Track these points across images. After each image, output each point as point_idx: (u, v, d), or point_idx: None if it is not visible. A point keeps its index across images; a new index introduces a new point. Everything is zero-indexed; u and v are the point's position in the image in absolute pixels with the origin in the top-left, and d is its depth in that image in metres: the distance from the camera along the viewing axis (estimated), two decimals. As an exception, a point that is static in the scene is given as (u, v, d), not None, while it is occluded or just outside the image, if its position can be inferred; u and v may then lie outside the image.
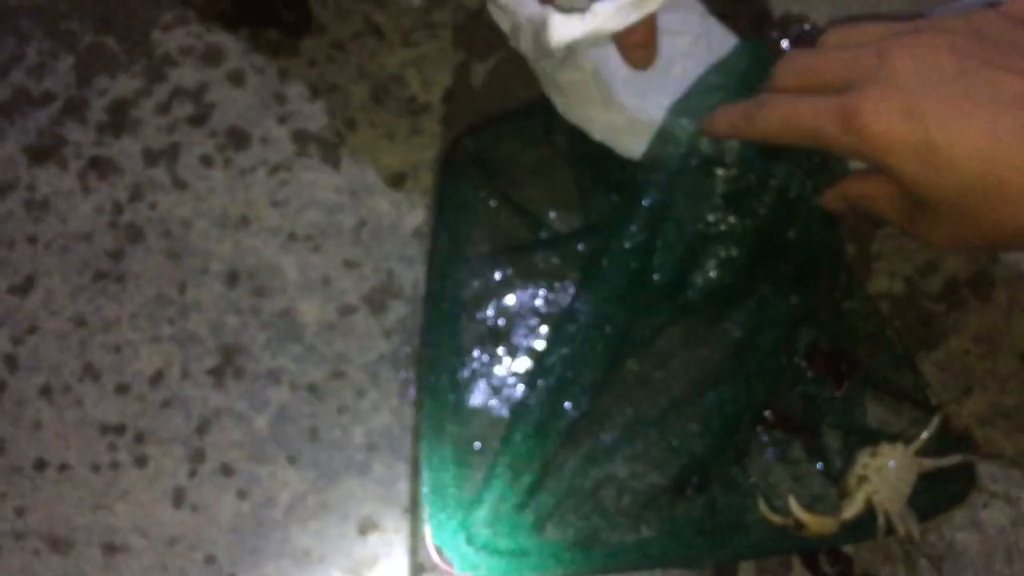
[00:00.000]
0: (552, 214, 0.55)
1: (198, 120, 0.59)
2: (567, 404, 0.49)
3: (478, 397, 0.51)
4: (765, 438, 0.51)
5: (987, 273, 0.56)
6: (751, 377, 0.50)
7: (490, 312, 0.52)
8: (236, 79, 0.60)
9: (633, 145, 0.51)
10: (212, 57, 0.60)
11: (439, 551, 0.46)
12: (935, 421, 0.48)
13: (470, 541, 0.47)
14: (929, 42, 0.41)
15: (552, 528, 0.48)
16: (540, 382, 0.49)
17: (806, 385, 0.52)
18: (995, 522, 0.52)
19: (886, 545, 0.50)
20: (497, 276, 0.54)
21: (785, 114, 0.44)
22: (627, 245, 0.49)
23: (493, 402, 0.51)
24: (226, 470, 0.52)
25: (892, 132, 0.40)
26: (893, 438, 0.49)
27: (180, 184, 0.58)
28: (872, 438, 0.49)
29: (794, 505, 0.47)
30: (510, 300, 0.53)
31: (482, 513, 0.47)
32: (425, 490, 0.48)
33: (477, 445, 0.49)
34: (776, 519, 0.48)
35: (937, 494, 0.49)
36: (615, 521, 0.48)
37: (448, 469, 0.48)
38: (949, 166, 0.40)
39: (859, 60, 0.43)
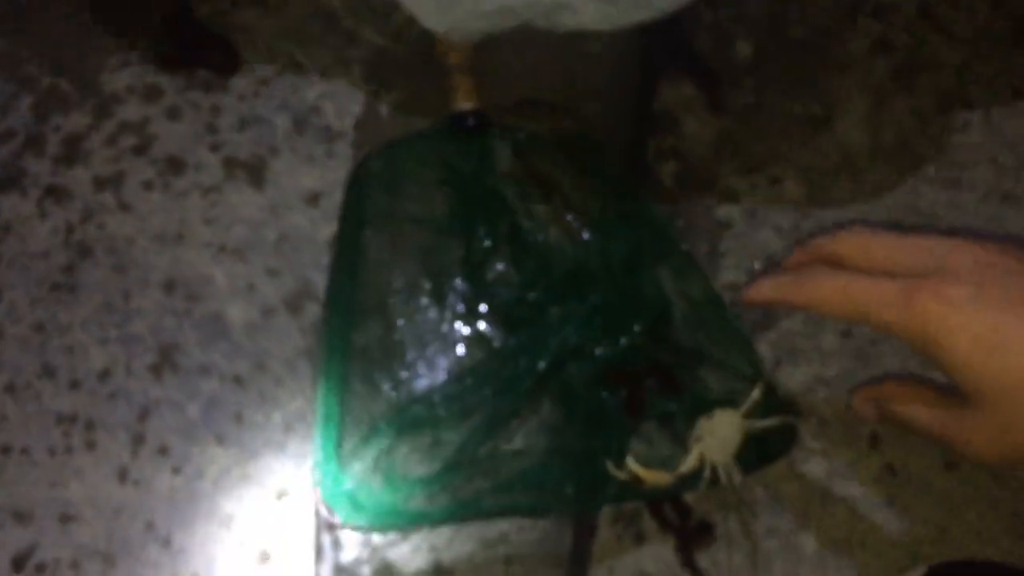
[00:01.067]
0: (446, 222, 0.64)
1: (140, 150, 0.68)
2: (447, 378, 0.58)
3: (372, 369, 0.59)
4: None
5: (819, 266, 0.65)
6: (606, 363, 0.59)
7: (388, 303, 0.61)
8: (173, 113, 0.69)
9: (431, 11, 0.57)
10: (152, 95, 0.69)
11: (327, 506, 0.55)
12: (757, 389, 0.57)
13: (355, 496, 0.55)
14: (993, 247, 0.43)
15: (429, 482, 0.56)
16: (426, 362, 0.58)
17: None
18: (813, 474, 0.60)
19: (721, 497, 0.59)
20: (398, 279, 0.63)
21: (842, 287, 0.46)
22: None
23: (384, 377, 0.59)
24: (163, 450, 0.61)
25: (952, 314, 0.41)
26: (732, 405, 0.58)
27: (125, 207, 0.67)
28: (713, 407, 0.58)
29: (631, 462, 0.55)
30: (405, 288, 0.62)
31: (363, 467, 0.55)
32: (317, 451, 0.57)
33: (367, 416, 0.58)
34: (619, 474, 0.56)
35: (764, 450, 0.58)
36: (495, 478, 0.57)
37: (335, 428, 0.57)
38: (1006, 351, 0.40)
39: (924, 250, 0.44)
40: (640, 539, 0.60)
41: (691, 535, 0.60)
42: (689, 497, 0.59)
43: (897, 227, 0.57)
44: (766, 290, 0.51)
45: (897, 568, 0.58)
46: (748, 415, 0.57)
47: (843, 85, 0.69)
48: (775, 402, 0.59)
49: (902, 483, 0.61)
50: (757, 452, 0.57)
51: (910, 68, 0.70)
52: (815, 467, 0.61)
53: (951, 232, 0.51)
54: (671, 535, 0.60)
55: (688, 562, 0.59)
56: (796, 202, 0.67)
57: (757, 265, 0.64)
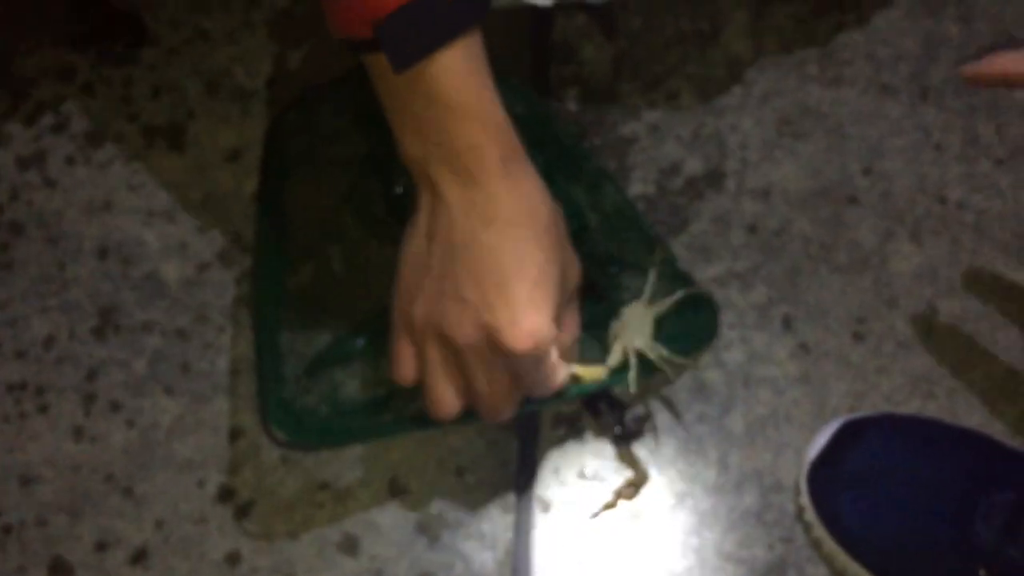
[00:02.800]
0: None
1: (59, 128, 0.70)
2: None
3: (310, 308, 0.62)
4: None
5: (717, 169, 0.69)
6: None
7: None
8: (88, 90, 0.71)
9: None
10: (66, 74, 0.71)
11: (273, 429, 0.57)
12: (651, 273, 0.61)
13: (299, 417, 0.58)
14: None
15: (370, 405, 0.59)
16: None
17: None
18: (734, 360, 0.64)
19: (653, 391, 0.63)
20: (326, 221, 0.65)
21: None
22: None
23: (322, 314, 0.62)
24: (114, 406, 0.63)
25: None
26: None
27: (50, 183, 0.68)
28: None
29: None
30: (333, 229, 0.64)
31: (307, 397, 0.58)
32: (259, 382, 0.59)
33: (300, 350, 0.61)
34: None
35: (688, 341, 0.62)
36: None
37: (275, 361, 0.59)
38: None
39: None
40: (581, 437, 0.64)
41: (628, 429, 0.64)
42: (623, 395, 0.63)
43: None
44: (992, 71, 0.51)
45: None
46: (652, 300, 0.60)
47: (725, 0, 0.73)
48: (683, 282, 0.62)
49: (816, 359, 0.65)
50: (691, 340, 0.61)
51: (787, -22, 0.74)
52: (736, 354, 0.65)
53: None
54: (609, 431, 0.64)
55: (627, 454, 0.63)
56: (693, 112, 0.71)
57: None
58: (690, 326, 0.62)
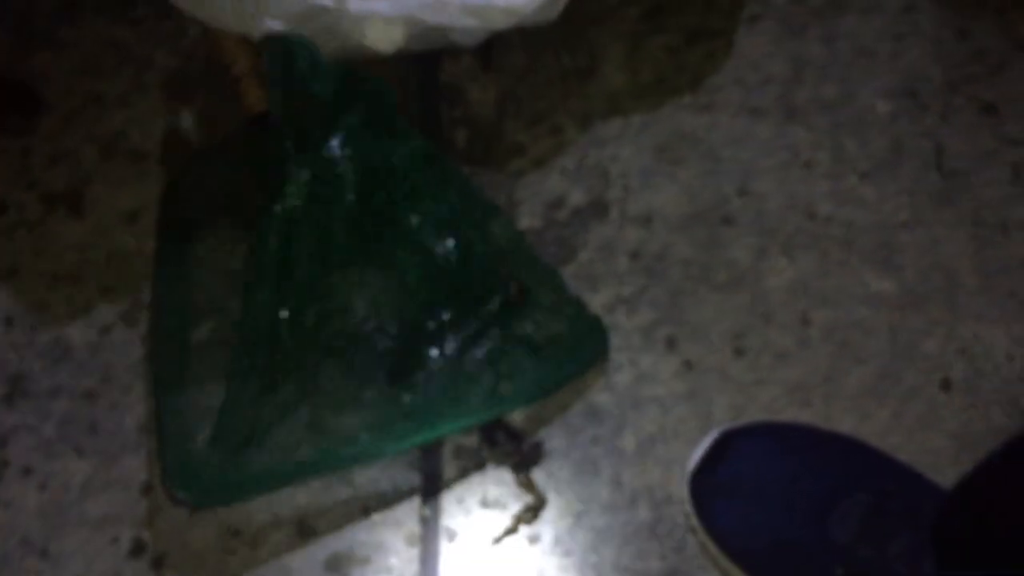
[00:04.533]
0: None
1: (-40, 200, 0.71)
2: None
3: (214, 360, 0.64)
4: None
5: (600, 200, 0.72)
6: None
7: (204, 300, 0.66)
8: (-14, 161, 0.73)
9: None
10: (-37, 147, 0.73)
11: (176, 492, 0.60)
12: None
13: (199, 476, 0.61)
14: None
15: (270, 452, 0.62)
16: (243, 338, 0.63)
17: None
18: (623, 382, 0.68)
19: (546, 417, 0.66)
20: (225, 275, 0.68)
21: None
22: None
23: (224, 366, 0.65)
24: (26, 471, 0.65)
25: None
26: None
27: (-47, 255, 0.70)
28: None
29: None
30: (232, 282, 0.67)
31: (206, 452, 0.61)
32: (159, 443, 0.62)
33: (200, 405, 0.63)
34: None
35: (577, 365, 0.65)
36: (331, 431, 0.63)
37: (173, 420, 0.62)
38: None
39: None
40: (482, 468, 0.67)
41: (525, 456, 0.67)
42: (519, 422, 0.66)
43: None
44: None
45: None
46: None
47: (601, 35, 0.77)
48: (574, 306, 0.66)
49: (699, 375, 0.68)
50: (572, 365, 0.64)
51: (658, 10, 0.78)
52: (624, 376, 0.68)
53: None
54: (507, 459, 0.67)
55: (526, 480, 0.66)
56: (576, 144, 0.74)
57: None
58: (579, 350, 0.66)
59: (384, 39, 0.66)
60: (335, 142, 0.63)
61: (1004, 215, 0.71)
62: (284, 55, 0.62)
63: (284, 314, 0.62)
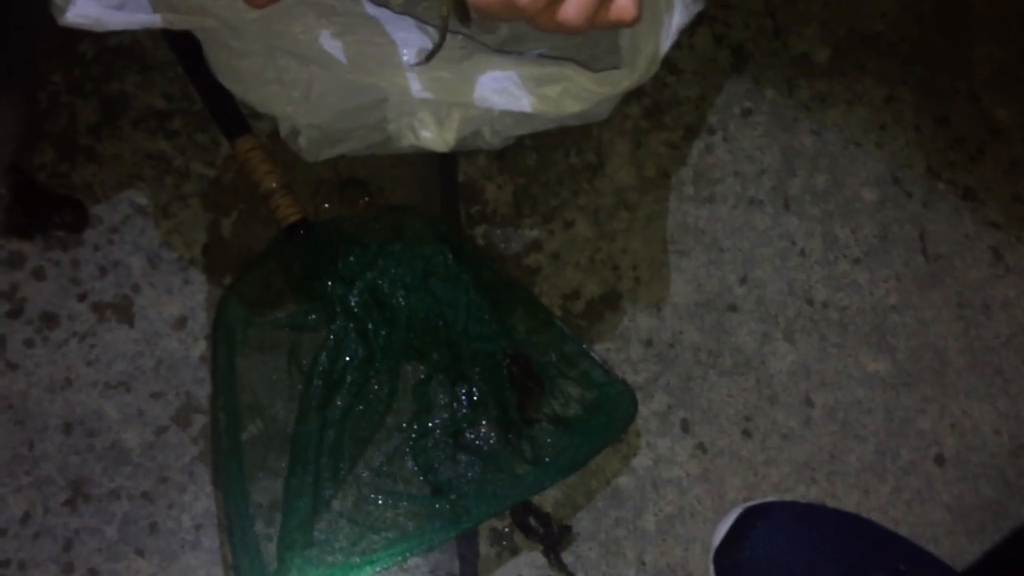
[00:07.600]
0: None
1: (15, 313, 0.76)
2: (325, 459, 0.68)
3: (264, 459, 0.70)
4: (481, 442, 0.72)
5: (614, 291, 0.78)
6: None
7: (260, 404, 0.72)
8: (38, 274, 0.77)
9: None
10: (15, 261, 0.78)
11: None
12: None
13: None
14: None
15: (332, 553, 0.67)
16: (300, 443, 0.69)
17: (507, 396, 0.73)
18: (642, 465, 0.73)
19: (573, 501, 0.71)
20: (271, 378, 0.73)
21: None
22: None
23: (270, 473, 0.70)
24: (92, 572, 0.70)
25: None
26: None
27: (12, 366, 0.75)
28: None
29: None
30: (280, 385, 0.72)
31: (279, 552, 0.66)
32: (231, 548, 0.67)
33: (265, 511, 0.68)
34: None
35: (611, 427, 0.70)
36: (380, 530, 0.68)
37: (247, 531, 0.67)
38: None
39: None
40: (515, 551, 0.72)
41: (554, 539, 0.72)
42: (549, 507, 0.71)
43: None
44: None
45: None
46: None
47: (606, 133, 0.83)
48: (604, 371, 0.71)
49: (712, 457, 0.74)
50: (609, 426, 0.70)
51: (658, 108, 0.84)
52: (643, 459, 0.73)
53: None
54: (538, 542, 0.72)
55: (556, 562, 0.72)
56: (588, 238, 0.80)
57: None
58: (613, 413, 0.71)
59: (437, 139, 0.71)
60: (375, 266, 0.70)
61: (986, 296, 0.77)
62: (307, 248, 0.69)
63: (330, 438, 0.68)
